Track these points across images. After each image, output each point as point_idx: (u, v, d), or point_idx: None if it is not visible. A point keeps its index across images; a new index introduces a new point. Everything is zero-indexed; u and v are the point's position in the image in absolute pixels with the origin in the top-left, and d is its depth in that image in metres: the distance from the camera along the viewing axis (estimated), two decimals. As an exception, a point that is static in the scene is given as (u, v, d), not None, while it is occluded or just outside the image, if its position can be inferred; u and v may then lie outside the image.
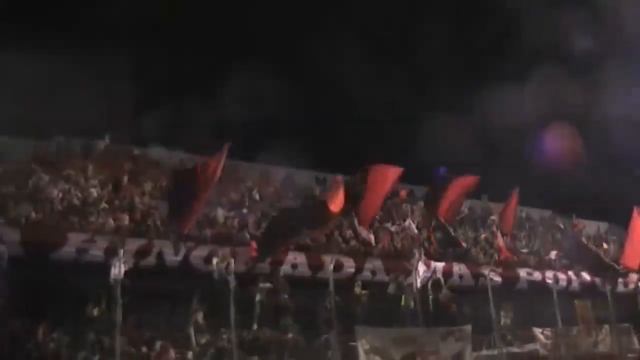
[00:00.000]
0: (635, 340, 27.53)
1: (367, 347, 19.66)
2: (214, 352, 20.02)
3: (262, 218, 26.32)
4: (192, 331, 20.72)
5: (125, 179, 26.69)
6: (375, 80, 44.23)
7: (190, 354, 19.96)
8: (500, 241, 28.90)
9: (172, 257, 22.41)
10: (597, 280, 29.52)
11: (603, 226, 42.17)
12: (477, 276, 27.91)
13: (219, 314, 19.99)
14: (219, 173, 17.63)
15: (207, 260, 22.60)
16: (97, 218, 23.01)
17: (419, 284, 24.31)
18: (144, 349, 19.48)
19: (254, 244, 23.70)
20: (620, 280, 30.89)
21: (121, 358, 17.40)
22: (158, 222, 23.83)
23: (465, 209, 36.94)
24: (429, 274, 26.12)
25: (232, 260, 20.62)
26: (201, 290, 21.23)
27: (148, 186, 26.31)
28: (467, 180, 24.00)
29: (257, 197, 29.54)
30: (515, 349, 25.39)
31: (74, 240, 21.57)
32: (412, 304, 24.55)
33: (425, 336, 20.93)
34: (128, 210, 24.17)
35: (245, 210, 27.61)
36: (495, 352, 23.85)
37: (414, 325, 22.33)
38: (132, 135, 26.83)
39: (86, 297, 19.89)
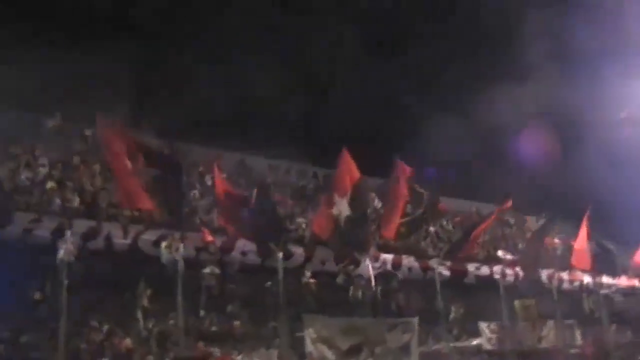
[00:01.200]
0: (578, 336, 27.97)
1: (315, 336, 19.66)
2: (160, 336, 19.90)
3: (212, 203, 26.14)
4: (139, 315, 20.58)
5: (76, 159, 26.26)
6: (342, 67, 44.00)
7: (137, 338, 19.83)
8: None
9: (121, 240, 22.22)
10: (544, 276, 29.96)
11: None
12: (425, 269, 28.04)
13: (167, 299, 19.88)
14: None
15: (156, 244, 22.36)
16: (44, 198, 22.64)
17: (368, 275, 24.45)
18: (91, 332, 19.30)
19: (205, 230, 23.66)
20: (566, 277, 31.44)
21: (66, 341, 17.24)
22: (106, 204, 23.53)
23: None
24: (378, 266, 26.26)
25: (181, 245, 20.52)
26: (149, 274, 21.04)
27: (98, 167, 25.90)
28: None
29: (209, 182, 29.32)
30: (461, 343, 25.63)
31: (20, 219, 21.17)
32: (360, 294, 24.68)
33: (372, 327, 21.00)
34: (77, 192, 23.80)
35: (196, 195, 27.42)
36: (441, 345, 24.10)
37: (362, 315, 22.43)
38: (84, 115, 26.23)
39: (31, 279, 19.58)
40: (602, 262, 30.05)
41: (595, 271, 30.87)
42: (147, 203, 20.33)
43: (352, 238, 21.89)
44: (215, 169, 21.60)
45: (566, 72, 35.42)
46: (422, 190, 26.18)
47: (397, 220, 23.00)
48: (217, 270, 23.23)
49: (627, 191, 35.54)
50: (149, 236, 22.71)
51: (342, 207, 21.25)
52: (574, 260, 30.10)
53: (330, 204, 21.51)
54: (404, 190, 22.44)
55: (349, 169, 21.29)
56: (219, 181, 21.00)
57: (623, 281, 35.24)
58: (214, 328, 21.90)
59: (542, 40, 38.30)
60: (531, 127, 39.14)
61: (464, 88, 43.70)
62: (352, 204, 20.97)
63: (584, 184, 36.32)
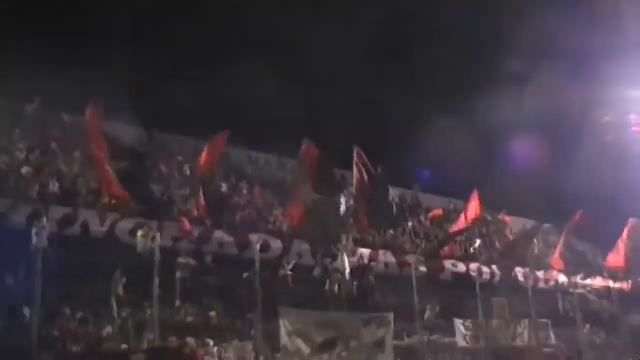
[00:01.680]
0: (552, 335, 28.09)
1: (290, 328, 19.67)
2: (135, 326, 19.78)
3: (191, 194, 26.02)
4: (114, 304, 20.44)
5: (54, 145, 26.03)
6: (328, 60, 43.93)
7: (111, 327, 19.70)
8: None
9: (98, 228, 22.07)
10: (520, 275, 30.10)
11: (529, 223, 42.86)
12: (402, 265, 28.05)
13: (143, 288, 19.80)
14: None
15: (133, 232, 22.21)
16: (20, 184, 22.41)
17: (344, 270, 24.47)
18: (65, 320, 19.16)
19: (184, 220, 23.58)
20: (541, 277, 31.62)
21: (39, 329, 17.13)
22: (85, 192, 23.36)
23: (395, 198, 37.17)
24: (355, 260, 26.27)
25: (158, 235, 20.42)
26: (125, 263, 20.89)
27: (77, 154, 25.68)
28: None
29: (187, 172, 29.19)
30: (435, 339, 25.66)
31: (-4, 204, 20.95)
32: (336, 288, 24.65)
33: (348, 321, 21.07)
34: (54, 178, 23.57)
35: (175, 185, 27.29)
36: (416, 341, 24.14)
37: (338, 309, 22.42)
38: (64, 101, 26.01)
39: (6, 265, 19.38)
40: (578, 264, 30.29)
41: (571, 272, 31.14)
42: (118, 192, 20.38)
43: (321, 227, 22.03)
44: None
45: (550, 76, 35.48)
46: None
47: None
48: (193, 261, 23.10)
49: (605, 193, 35.74)
50: (126, 224, 22.53)
51: (310, 196, 21.40)
52: (553, 261, 30.38)
53: (300, 194, 21.69)
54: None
55: (313, 160, 21.50)
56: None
57: (598, 282, 35.46)
58: (189, 319, 21.78)
59: (525, 46, 38.57)
60: (512, 128, 39.27)
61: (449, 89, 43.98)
62: (318, 191, 21.19)
63: (564, 185, 36.52)
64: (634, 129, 27.03)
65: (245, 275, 22.44)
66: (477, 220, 28.69)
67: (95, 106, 20.34)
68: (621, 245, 32.62)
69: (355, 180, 24.17)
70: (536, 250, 36.09)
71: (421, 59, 42.42)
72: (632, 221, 32.46)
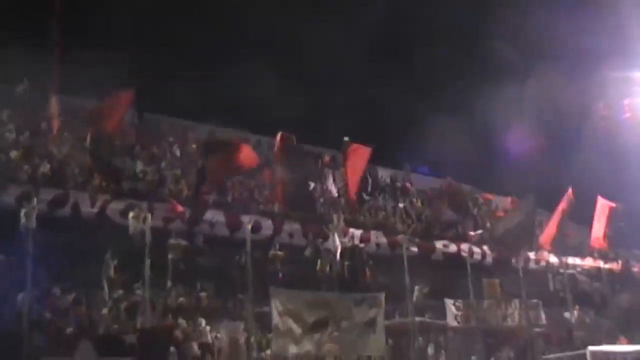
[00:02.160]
0: (542, 315, 28.19)
1: (281, 309, 19.68)
2: (126, 307, 19.80)
3: (182, 174, 25.99)
4: (105, 285, 20.44)
5: (44, 126, 25.92)
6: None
7: (102, 308, 19.70)
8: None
9: (88, 209, 22.03)
10: (510, 256, 30.16)
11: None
12: (393, 245, 28.07)
13: (134, 269, 19.79)
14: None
15: (124, 213, 22.17)
16: (10, 165, 22.34)
17: (336, 250, 24.50)
18: (56, 302, 19.14)
19: (173, 202, 23.56)
20: (532, 257, 31.70)
21: (30, 309, 17.09)
22: (76, 172, 23.30)
23: (387, 179, 37.24)
24: (346, 240, 26.29)
25: (149, 216, 20.39)
26: (117, 244, 20.87)
27: (67, 135, 25.59)
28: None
29: (177, 153, 29.13)
30: (426, 319, 25.73)
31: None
32: (327, 268, 24.68)
33: (339, 301, 21.07)
34: (45, 159, 23.49)
35: (164, 165, 27.23)
36: (407, 320, 24.19)
37: (329, 290, 22.45)
38: (54, 83, 25.87)
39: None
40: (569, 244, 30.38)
41: (561, 252, 31.23)
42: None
43: (298, 201, 22.19)
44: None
45: (546, 66, 35.56)
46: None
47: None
48: (184, 242, 23.08)
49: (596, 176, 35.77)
50: (117, 205, 22.51)
51: (284, 174, 21.56)
52: (542, 240, 30.40)
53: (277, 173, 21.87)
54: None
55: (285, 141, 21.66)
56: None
57: (588, 262, 35.59)
58: (180, 300, 21.79)
59: (513, 37, 38.71)
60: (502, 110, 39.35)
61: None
62: (290, 168, 21.37)
63: (554, 167, 36.58)
64: (627, 114, 27.06)
65: (237, 256, 22.46)
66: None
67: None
68: (598, 225, 32.68)
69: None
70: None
71: (420, 59, 42.41)
72: (600, 200, 32.35)
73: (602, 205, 32.12)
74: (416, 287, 26.02)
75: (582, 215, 32.79)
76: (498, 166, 38.25)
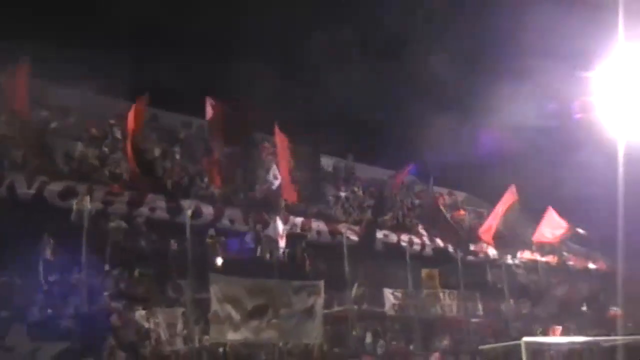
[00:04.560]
0: (479, 306, 28.58)
1: (220, 295, 19.66)
2: (62, 291, 19.48)
3: (122, 156, 25.60)
4: (40, 268, 20.05)
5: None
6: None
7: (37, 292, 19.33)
8: None
9: (25, 190, 21.60)
10: (450, 247, 30.43)
11: (460, 195, 43.29)
12: (334, 233, 28.08)
13: (72, 252, 19.47)
14: None
15: (62, 195, 21.78)
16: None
17: (276, 236, 24.46)
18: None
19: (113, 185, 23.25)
20: (471, 249, 32.02)
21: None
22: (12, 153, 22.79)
23: (329, 167, 37.17)
24: (287, 227, 26.26)
25: (88, 198, 20.10)
26: (54, 226, 20.50)
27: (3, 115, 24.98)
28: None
29: (118, 134, 28.66)
30: (365, 308, 25.87)
31: None
32: (267, 255, 24.65)
33: (279, 288, 21.14)
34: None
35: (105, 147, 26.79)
36: (346, 309, 24.31)
37: (268, 276, 22.41)
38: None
39: None
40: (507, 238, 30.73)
41: (501, 246, 31.62)
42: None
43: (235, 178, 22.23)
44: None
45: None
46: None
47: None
48: (123, 225, 22.77)
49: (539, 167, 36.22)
50: (55, 187, 22.10)
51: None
52: (481, 232, 30.73)
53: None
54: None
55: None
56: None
57: (526, 255, 36.08)
58: (118, 284, 21.51)
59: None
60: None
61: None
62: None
63: (502, 162, 36.88)
64: (578, 115, 27.34)
65: (176, 241, 22.30)
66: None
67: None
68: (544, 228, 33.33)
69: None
70: (467, 223, 36.52)
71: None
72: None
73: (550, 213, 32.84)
74: (355, 285, 26.08)
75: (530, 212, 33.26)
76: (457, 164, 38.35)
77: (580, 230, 34.93)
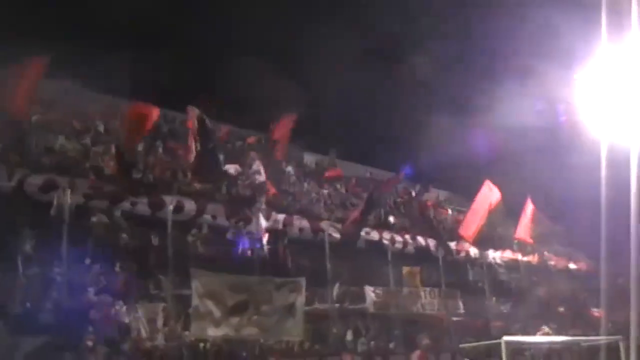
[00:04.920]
0: (460, 304, 28.63)
1: (201, 290, 19.59)
2: (42, 285, 19.34)
3: (105, 150, 25.44)
4: (20, 261, 19.89)
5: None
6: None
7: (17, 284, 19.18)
8: None
9: (5, 183, 21.40)
10: (432, 245, 30.49)
11: (443, 194, 43.45)
12: (316, 230, 28.04)
13: (52, 246, 19.33)
14: None
15: (43, 189, 21.60)
16: None
17: (259, 233, 24.41)
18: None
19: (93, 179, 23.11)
20: (453, 248, 32.08)
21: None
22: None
23: (311, 164, 37.21)
24: (269, 224, 26.20)
25: (68, 192, 19.96)
26: (34, 219, 20.34)
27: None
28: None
29: (101, 128, 28.50)
30: (346, 305, 25.88)
31: None
32: (249, 252, 24.59)
33: (260, 285, 21.08)
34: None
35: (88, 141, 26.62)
36: (327, 306, 24.30)
37: (250, 273, 22.36)
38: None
39: None
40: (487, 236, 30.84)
41: (481, 244, 31.70)
42: None
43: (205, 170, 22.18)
44: None
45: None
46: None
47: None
48: (105, 219, 22.63)
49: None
50: (35, 180, 21.91)
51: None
52: (461, 230, 30.74)
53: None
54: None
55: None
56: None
57: (507, 254, 36.19)
58: (99, 278, 21.38)
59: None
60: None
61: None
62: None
63: (484, 161, 36.98)
64: (563, 117, 27.40)
65: (158, 236, 22.23)
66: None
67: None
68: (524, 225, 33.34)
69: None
70: (449, 221, 36.65)
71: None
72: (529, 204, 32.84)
73: (529, 208, 32.79)
74: (337, 285, 26.06)
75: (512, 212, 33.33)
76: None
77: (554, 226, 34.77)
